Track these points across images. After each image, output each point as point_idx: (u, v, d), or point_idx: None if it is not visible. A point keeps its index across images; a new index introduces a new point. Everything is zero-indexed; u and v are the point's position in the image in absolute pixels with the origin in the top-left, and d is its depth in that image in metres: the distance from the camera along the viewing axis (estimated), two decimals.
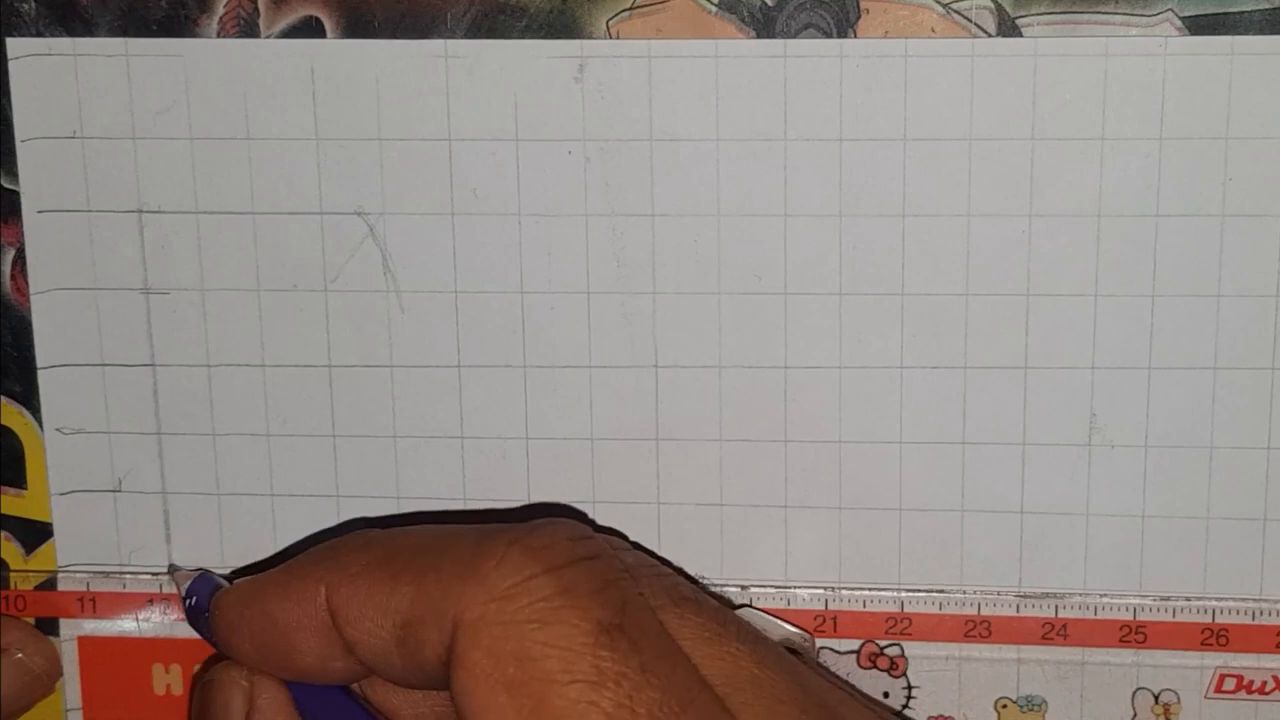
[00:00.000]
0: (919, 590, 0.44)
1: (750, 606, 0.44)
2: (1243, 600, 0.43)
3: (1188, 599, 0.43)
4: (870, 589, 0.44)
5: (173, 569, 0.45)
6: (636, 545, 0.40)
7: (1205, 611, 0.43)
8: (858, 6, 0.41)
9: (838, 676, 0.42)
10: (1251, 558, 0.43)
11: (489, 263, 0.43)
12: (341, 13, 0.42)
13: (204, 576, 0.40)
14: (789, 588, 0.44)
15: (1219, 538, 0.43)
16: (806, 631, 0.43)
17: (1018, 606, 0.44)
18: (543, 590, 0.33)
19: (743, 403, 0.43)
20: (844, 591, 0.44)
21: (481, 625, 0.32)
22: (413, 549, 0.35)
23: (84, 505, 0.46)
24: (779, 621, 0.43)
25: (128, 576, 0.46)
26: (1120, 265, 0.42)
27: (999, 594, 0.44)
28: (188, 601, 0.39)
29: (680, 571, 0.42)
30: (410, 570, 0.34)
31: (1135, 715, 0.44)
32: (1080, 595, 0.43)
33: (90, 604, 0.46)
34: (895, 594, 0.44)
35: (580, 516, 0.44)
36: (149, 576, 0.46)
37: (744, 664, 0.34)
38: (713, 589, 0.44)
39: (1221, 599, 0.43)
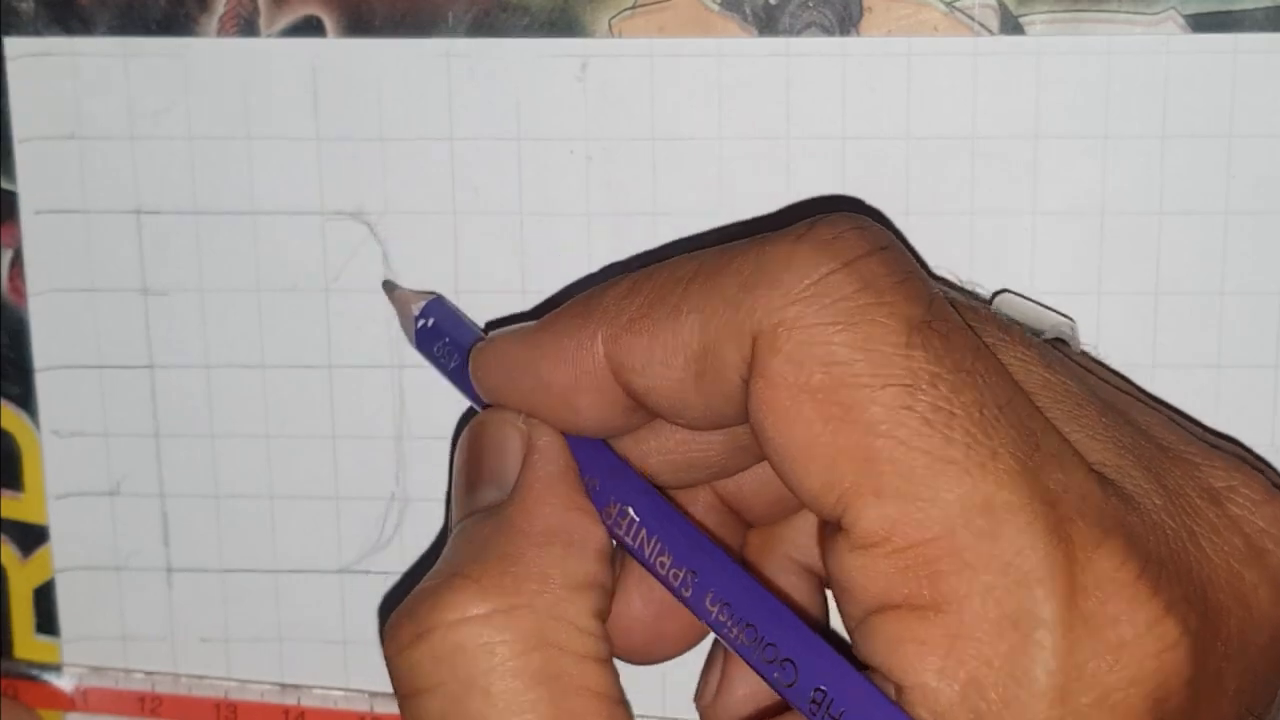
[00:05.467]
0: None
1: (1010, 292, 0.41)
2: None
3: None
4: None
5: (389, 285, 0.42)
6: None
7: None
8: (860, 4, 0.41)
9: (1106, 367, 0.39)
10: None
11: (491, 263, 0.43)
12: (342, 11, 0.42)
13: (439, 300, 0.38)
14: None
15: None
16: (1069, 317, 0.40)
17: None
18: (843, 288, 0.30)
19: None
20: None
21: (781, 331, 0.29)
22: (688, 277, 0.32)
23: (81, 508, 0.46)
24: (1041, 307, 0.40)
25: (120, 674, 0.46)
26: (1123, 263, 0.42)
27: None
28: (420, 323, 0.38)
29: None
30: (691, 298, 0.31)
31: None
32: None
33: (83, 698, 0.46)
34: None
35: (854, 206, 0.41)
36: (143, 675, 0.46)
37: (1034, 368, 0.32)
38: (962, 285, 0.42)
39: None
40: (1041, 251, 0.41)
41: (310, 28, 0.42)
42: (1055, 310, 0.40)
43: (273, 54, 0.42)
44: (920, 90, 0.41)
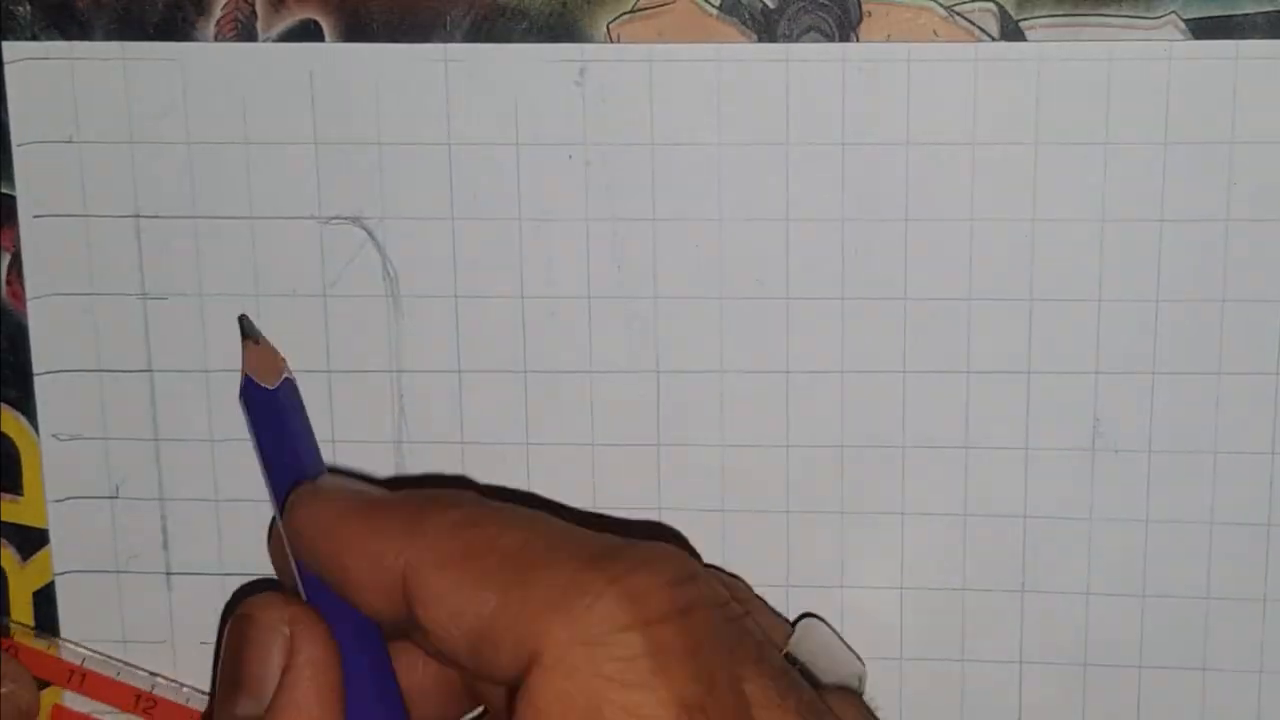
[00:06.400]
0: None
1: (815, 617, 0.42)
2: None
3: None
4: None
5: (247, 324, 0.43)
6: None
7: None
8: (860, 9, 0.41)
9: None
10: (1255, 562, 0.43)
11: (489, 268, 0.43)
12: (340, 15, 0.42)
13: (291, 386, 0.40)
14: (793, 587, 0.44)
15: (1223, 543, 0.42)
16: (863, 662, 0.41)
17: None
18: (632, 647, 0.31)
19: (744, 408, 0.43)
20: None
21: (560, 667, 0.31)
22: (509, 550, 0.33)
23: (81, 512, 0.46)
24: (841, 642, 0.41)
25: (120, 664, 0.46)
26: (1124, 270, 0.41)
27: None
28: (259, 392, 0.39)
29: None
30: (500, 576, 0.32)
31: None
32: None
33: (79, 679, 0.46)
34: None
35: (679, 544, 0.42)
36: (145, 674, 0.46)
37: None
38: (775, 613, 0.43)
39: None
40: (1041, 258, 0.41)
41: (308, 32, 0.42)
42: (853, 651, 0.41)
43: (270, 58, 0.42)
44: (920, 95, 0.41)
